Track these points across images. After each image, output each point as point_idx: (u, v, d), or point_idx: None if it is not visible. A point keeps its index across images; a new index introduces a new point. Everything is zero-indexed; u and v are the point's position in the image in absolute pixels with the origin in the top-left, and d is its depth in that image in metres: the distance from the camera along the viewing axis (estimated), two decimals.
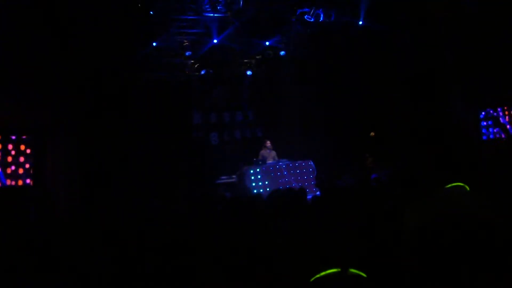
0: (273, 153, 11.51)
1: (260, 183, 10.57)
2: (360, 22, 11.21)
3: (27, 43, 8.25)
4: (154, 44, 10.88)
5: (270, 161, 11.21)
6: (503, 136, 10.35)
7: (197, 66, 12.16)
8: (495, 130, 10.41)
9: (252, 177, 10.55)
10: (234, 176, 11.22)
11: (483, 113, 10.62)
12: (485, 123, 10.61)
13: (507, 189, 2.92)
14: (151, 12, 10.02)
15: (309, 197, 7.35)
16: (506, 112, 10.35)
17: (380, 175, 10.47)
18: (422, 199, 2.21)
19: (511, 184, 3.17)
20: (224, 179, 11.40)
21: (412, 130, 10.49)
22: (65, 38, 8.75)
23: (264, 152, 11.43)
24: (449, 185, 2.65)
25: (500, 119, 10.33)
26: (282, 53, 12.09)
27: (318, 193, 8.29)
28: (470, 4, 9.32)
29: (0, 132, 7.77)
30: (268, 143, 11.52)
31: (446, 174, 2.90)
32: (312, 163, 11.20)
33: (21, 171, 7.92)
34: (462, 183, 2.64)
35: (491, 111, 10.43)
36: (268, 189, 10.48)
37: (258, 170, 10.69)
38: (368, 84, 11.61)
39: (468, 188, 2.58)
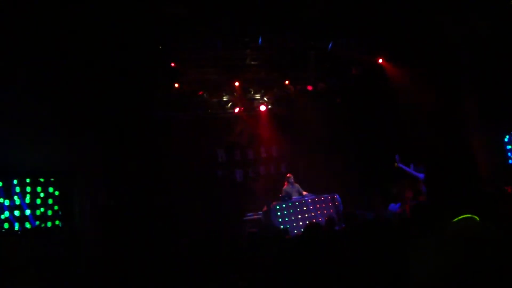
0: (297, 186, 11.38)
1: (286, 219, 10.43)
2: (380, 60, 11.24)
3: (54, 90, 8.48)
4: (176, 84, 11.08)
5: (295, 196, 11.06)
6: None
7: (219, 104, 12.31)
8: None
9: (278, 213, 10.43)
10: (260, 212, 11.09)
11: (507, 136, 10.41)
12: (510, 147, 10.37)
13: None
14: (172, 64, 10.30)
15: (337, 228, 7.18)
16: None
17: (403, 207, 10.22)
18: (434, 235, 2.21)
19: None
20: (250, 215, 11.27)
21: (437, 158, 10.31)
22: (90, 82, 8.99)
23: (287, 188, 11.30)
24: (458, 218, 2.66)
25: None
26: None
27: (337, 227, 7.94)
28: (484, 27, 9.26)
29: (29, 175, 7.89)
30: (291, 178, 11.41)
31: (470, 203, 2.87)
32: (338, 196, 10.98)
33: (50, 213, 8.00)
34: (471, 214, 2.64)
35: None
36: (294, 225, 10.32)
37: (284, 206, 10.58)
38: (390, 115, 11.53)
39: (478, 219, 2.61)
